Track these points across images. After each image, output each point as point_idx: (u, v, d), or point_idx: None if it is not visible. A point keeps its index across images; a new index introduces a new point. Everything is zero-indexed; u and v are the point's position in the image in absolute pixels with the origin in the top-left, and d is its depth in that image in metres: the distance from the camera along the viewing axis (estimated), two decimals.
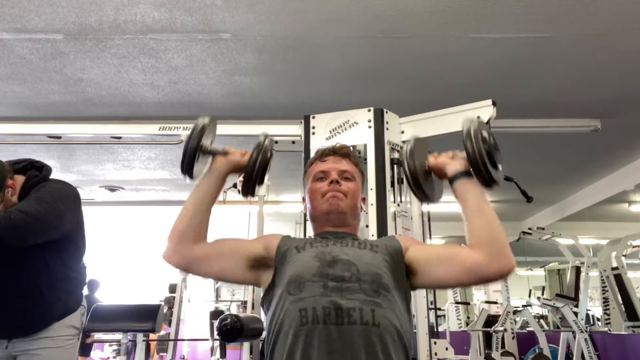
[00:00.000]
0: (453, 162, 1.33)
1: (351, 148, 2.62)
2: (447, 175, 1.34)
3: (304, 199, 1.53)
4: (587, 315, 6.97)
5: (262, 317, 1.43)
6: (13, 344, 1.93)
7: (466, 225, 1.30)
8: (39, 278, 1.93)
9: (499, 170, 1.31)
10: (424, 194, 1.37)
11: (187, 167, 1.37)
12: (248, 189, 1.40)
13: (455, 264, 1.28)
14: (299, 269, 1.29)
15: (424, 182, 1.34)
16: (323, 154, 1.50)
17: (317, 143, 2.66)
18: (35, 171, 1.99)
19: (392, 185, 2.65)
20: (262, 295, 1.37)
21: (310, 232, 1.54)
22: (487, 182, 1.28)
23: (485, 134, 1.30)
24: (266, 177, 1.42)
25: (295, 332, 1.19)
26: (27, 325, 1.93)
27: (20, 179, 1.96)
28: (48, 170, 2.03)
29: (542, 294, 7.87)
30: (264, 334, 2.68)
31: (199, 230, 1.34)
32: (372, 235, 2.46)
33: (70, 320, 2.02)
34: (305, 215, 1.59)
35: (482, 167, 1.27)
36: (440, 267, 1.31)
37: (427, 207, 2.96)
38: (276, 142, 3.33)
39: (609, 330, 6.05)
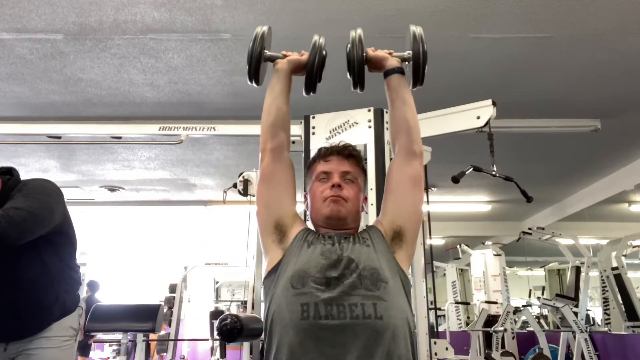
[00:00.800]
0: (391, 58, 1.55)
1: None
2: (383, 68, 1.54)
3: (305, 197, 1.53)
4: (587, 315, 6.97)
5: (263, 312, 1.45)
6: (11, 345, 1.93)
7: (393, 113, 1.52)
8: (36, 278, 1.93)
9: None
10: (362, 81, 1.53)
11: (254, 74, 1.54)
12: (310, 86, 1.54)
13: (406, 184, 1.44)
14: (304, 264, 1.31)
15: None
16: (326, 153, 1.51)
17: (317, 143, 2.66)
18: (6, 175, 1.98)
19: None
20: (265, 274, 1.40)
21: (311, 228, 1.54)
22: (421, 80, 1.53)
23: (425, 42, 1.52)
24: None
25: (295, 326, 1.22)
26: (26, 327, 1.93)
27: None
28: (17, 171, 2.04)
29: (542, 294, 7.88)
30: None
31: (284, 121, 1.50)
32: None
33: (68, 322, 2.02)
34: (305, 212, 1.61)
35: (421, 69, 1.51)
36: (404, 198, 1.44)
37: (427, 207, 2.96)
38: None
39: (609, 330, 6.05)
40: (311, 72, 1.52)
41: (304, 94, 1.56)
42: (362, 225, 1.54)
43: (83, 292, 6.97)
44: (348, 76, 1.54)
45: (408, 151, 1.47)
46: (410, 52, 1.54)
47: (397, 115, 1.51)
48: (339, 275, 1.27)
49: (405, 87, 1.52)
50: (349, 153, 1.51)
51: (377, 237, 1.41)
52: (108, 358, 6.73)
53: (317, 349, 1.19)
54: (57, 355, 1.97)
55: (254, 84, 1.57)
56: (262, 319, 1.35)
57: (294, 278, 1.28)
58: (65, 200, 2.06)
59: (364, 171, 1.55)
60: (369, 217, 2.49)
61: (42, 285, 1.94)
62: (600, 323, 7.78)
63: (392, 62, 1.54)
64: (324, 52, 1.54)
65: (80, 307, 2.13)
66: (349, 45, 1.53)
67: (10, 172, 2.00)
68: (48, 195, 1.92)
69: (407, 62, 1.55)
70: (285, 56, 1.59)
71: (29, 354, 1.92)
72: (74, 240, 2.10)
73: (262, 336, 1.41)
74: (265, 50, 1.57)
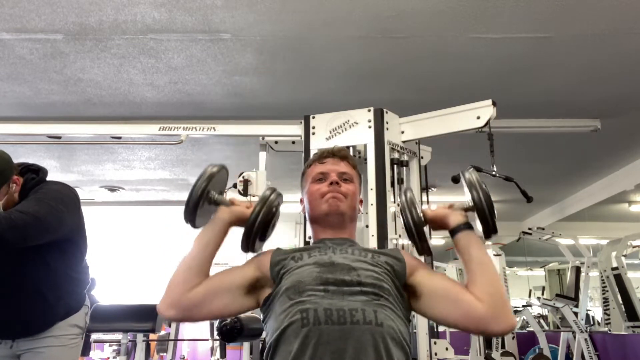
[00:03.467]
0: (454, 213, 1.36)
1: (351, 149, 2.64)
2: (448, 227, 1.35)
3: (301, 201, 1.53)
4: (587, 315, 6.97)
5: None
6: (17, 343, 1.94)
7: (469, 279, 1.29)
8: (39, 279, 1.93)
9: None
10: (429, 246, 1.36)
11: (191, 214, 1.34)
12: (247, 245, 1.35)
13: (460, 307, 1.26)
14: (298, 275, 1.28)
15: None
16: (322, 156, 1.52)
17: (317, 143, 2.66)
18: (31, 174, 1.99)
19: (392, 185, 2.65)
20: (261, 305, 1.34)
21: (309, 233, 1.54)
22: (492, 231, 1.31)
23: (484, 184, 1.33)
24: (272, 233, 1.38)
25: (297, 333, 1.18)
26: (30, 325, 1.94)
27: (18, 181, 1.96)
28: (44, 172, 2.04)
29: (542, 294, 7.88)
30: (264, 334, 2.66)
31: (195, 283, 1.29)
32: (372, 236, 2.45)
33: (74, 320, 2.03)
34: (304, 216, 1.61)
35: (489, 218, 1.30)
36: (443, 304, 1.29)
37: (426, 207, 2.96)
38: (276, 142, 3.34)
39: (609, 330, 6.05)
40: (249, 231, 1.33)
41: (240, 248, 1.38)
42: (359, 226, 1.53)
43: None
44: (409, 240, 1.40)
45: (497, 322, 1.23)
46: (470, 202, 1.34)
47: (476, 283, 1.27)
48: (338, 281, 1.25)
49: (477, 244, 1.32)
50: (344, 155, 1.52)
51: (397, 263, 1.34)
52: (108, 358, 6.72)
53: (318, 355, 1.16)
54: (64, 354, 1.98)
55: (190, 225, 1.37)
56: (266, 334, 1.31)
57: (289, 290, 1.25)
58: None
59: (360, 175, 1.55)
60: (369, 217, 2.49)
61: (45, 286, 1.95)
62: (600, 323, 7.78)
63: (456, 218, 1.36)
64: (273, 209, 1.34)
65: (87, 305, 2.13)
66: (402, 212, 1.37)
67: (37, 172, 2.00)
68: (62, 202, 1.90)
69: (470, 211, 1.36)
70: (232, 203, 1.40)
71: (37, 352, 1.93)
72: (83, 249, 2.10)
73: (263, 337, 1.40)
74: (210, 193, 1.36)
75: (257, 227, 1.32)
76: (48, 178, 2.07)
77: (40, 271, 1.93)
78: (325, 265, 1.29)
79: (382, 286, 1.26)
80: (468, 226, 1.34)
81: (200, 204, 1.34)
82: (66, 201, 1.94)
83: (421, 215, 1.36)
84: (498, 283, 1.28)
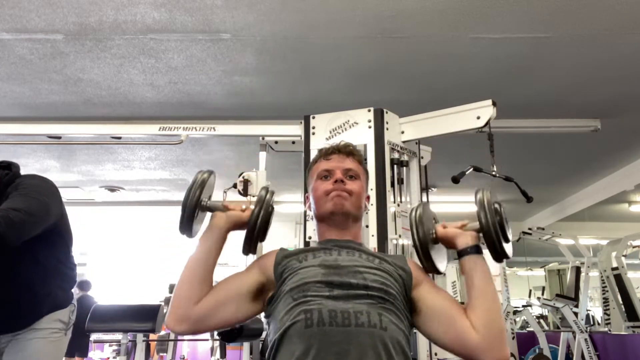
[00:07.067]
0: (464, 234, 1.32)
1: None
2: (456, 248, 1.32)
3: (307, 198, 1.51)
4: (587, 315, 6.96)
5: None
6: (1, 337, 1.95)
7: (469, 304, 1.27)
8: (29, 274, 1.94)
9: (509, 243, 1.29)
10: (434, 266, 1.32)
11: (186, 225, 1.34)
12: (250, 247, 1.35)
13: (454, 331, 1.24)
14: (302, 276, 1.27)
15: (432, 251, 1.31)
16: (327, 152, 1.49)
17: (317, 143, 2.66)
18: (3, 170, 1.99)
19: (392, 185, 2.65)
20: (265, 309, 1.33)
21: (310, 232, 1.54)
22: (499, 257, 1.29)
23: (497, 205, 1.30)
24: (268, 233, 1.37)
25: (300, 334, 1.17)
26: (18, 321, 1.95)
27: None
28: (16, 166, 2.03)
29: (542, 294, 7.88)
30: (264, 334, 2.66)
31: (201, 295, 1.28)
32: (372, 236, 2.46)
33: (57, 315, 2.03)
34: (305, 214, 1.61)
35: (496, 242, 1.26)
36: (438, 324, 1.27)
37: None
38: (276, 142, 3.35)
39: (609, 330, 6.05)
40: (252, 233, 1.32)
41: (241, 252, 1.38)
42: (363, 226, 1.52)
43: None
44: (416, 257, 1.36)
45: (489, 354, 1.20)
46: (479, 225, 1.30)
47: (475, 310, 1.25)
48: (344, 284, 1.24)
49: (482, 270, 1.28)
50: (350, 151, 1.49)
51: (404, 272, 1.33)
52: (108, 358, 6.73)
53: (321, 356, 1.15)
54: (44, 347, 1.98)
55: (186, 236, 1.36)
56: (269, 335, 1.30)
57: (293, 291, 1.24)
58: (65, 199, 2.06)
59: (366, 170, 1.53)
60: (369, 217, 2.49)
61: (35, 282, 1.95)
62: (600, 323, 7.78)
63: (466, 239, 1.30)
64: (270, 209, 1.33)
65: (73, 304, 2.14)
66: (410, 229, 1.33)
67: (9, 167, 2.00)
68: (46, 195, 1.92)
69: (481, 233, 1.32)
70: (226, 208, 1.37)
71: (18, 339, 1.94)
72: (67, 239, 2.10)
73: (263, 337, 1.40)
74: (203, 200, 1.35)
75: (258, 230, 1.32)
76: (48, 177, 2.07)
77: (29, 266, 1.93)
78: (331, 267, 1.27)
79: (388, 291, 1.24)
80: (476, 250, 1.29)
81: (195, 215, 1.33)
82: (48, 192, 1.96)
83: (431, 233, 1.32)
84: (497, 314, 1.24)
